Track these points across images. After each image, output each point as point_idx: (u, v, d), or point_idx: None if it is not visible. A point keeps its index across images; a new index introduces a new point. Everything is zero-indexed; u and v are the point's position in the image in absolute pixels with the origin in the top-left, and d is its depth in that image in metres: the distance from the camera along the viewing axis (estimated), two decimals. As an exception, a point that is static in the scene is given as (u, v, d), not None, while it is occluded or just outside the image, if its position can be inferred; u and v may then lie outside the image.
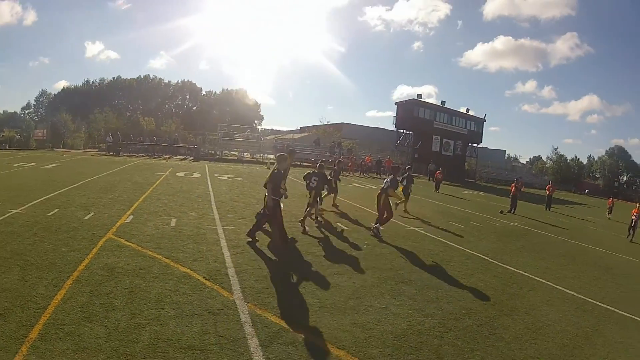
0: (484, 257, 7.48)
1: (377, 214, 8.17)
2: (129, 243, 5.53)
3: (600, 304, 5.69)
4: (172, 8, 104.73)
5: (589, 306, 5.52)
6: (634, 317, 5.37)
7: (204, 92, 68.11)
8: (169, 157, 25.86)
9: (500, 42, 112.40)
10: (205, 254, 5.41)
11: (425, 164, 32.53)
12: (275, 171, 6.28)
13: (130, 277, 4.33)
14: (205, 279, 4.49)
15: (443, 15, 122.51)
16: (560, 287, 6.22)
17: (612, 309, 5.55)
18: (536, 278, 6.55)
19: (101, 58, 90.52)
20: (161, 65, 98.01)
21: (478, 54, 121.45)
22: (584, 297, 5.85)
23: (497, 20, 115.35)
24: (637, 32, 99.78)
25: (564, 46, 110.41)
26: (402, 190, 11.31)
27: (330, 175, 10.61)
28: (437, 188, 21.40)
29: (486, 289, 5.62)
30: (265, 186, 6.48)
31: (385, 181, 8.21)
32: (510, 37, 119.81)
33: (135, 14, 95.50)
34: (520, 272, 6.80)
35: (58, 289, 3.88)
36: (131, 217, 7.18)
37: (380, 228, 7.87)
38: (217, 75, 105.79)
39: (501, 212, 14.91)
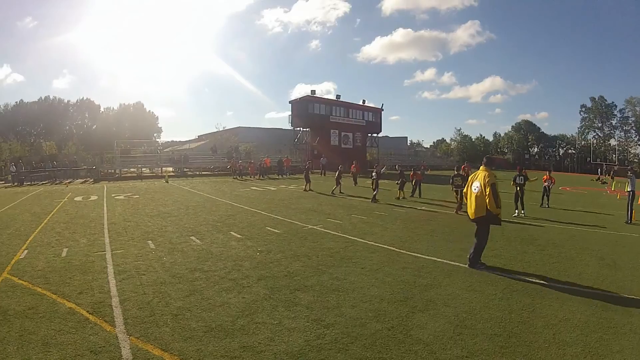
0: (390, 247, 7.17)
1: None
2: (21, 281, 5.12)
3: (531, 280, 5.35)
4: (72, 23, 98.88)
5: (519, 286, 5.12)
6: (572, 287, 5.04)
7: (102, 109, 66.26)
8: (69, 182, 25.29)
9: (399, 34, 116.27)
10: (91, 285, 5.04)
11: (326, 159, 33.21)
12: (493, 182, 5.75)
13: (20, 319, 3.99)
14: (89, 314, 4.12)
15: (342, 14, 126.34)
16: (480, 269, 5.83)
17: (546, 283, 5.22)
18: (452, 262, 6.19)
19: (8, 82, 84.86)
20: (64, 85, 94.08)
21: (376, 48, 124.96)
22: (511, 277, 5.44)
23: (395, 14, 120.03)
24: (537, 14, 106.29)
25: (464, 34, 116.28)
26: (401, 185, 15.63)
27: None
28: (355, 182, 21.56)
29: (395, 283, 5.18)
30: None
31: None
32: (409, 30, 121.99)
33: (41, 31, 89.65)
34: (433, 258, 6.46)
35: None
36: (26, 252, 6.73)
37: None
38: (117, 90, 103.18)
39: (397, 198, 15.20)
